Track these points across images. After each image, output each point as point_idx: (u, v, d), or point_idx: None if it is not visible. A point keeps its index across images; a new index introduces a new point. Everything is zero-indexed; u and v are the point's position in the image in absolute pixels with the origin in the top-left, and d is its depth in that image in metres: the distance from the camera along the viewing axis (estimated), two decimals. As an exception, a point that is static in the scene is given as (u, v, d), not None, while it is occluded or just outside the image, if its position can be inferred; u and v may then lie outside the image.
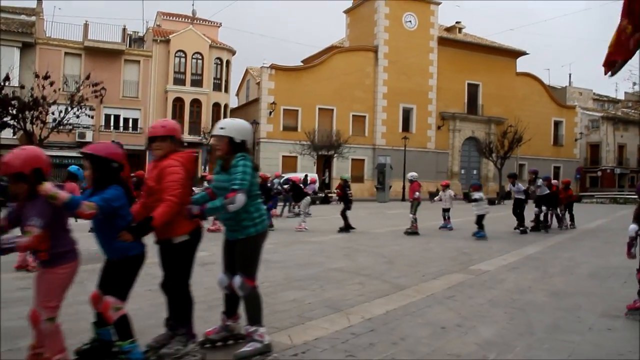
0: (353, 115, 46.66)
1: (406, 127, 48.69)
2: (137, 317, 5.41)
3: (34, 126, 16.94)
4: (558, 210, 17.13)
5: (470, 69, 51.52)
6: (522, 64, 58.27)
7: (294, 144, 40.23)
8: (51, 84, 16.45)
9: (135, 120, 39.55)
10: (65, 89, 17.84)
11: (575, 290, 7.26)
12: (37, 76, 16.83)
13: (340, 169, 42.97)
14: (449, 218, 16.55)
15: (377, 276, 8.00)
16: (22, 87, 18.02)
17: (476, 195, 14.50)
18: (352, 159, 44.16)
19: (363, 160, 46.66)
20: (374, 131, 47.47)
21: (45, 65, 33.51)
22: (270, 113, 43.00)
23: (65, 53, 37.72)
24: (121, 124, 39.10)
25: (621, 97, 71.80)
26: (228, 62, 42.60)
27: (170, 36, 39.84)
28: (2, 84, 16.54)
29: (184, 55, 40.24)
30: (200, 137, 36.09)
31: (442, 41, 50.16)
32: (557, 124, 58.70)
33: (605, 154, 61.79)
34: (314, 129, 41.03)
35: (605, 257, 10.69)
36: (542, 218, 16.14)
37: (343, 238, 13.30)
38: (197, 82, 40.46)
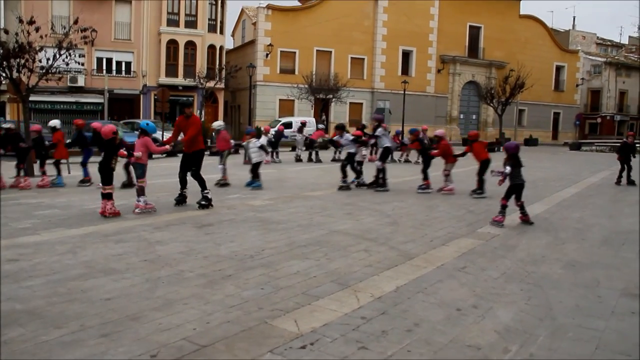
0: (351, 58, 45.74)
1: (405, 70, 47.86)
2: (131, 297, 5.13)
3: (21, 74, 16.23)
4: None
5: (472, 11, 50.24)
6: (525, 6, 56.66)
7: (291, 87, 39.42)
8: (37, 29, 15.62)
9: (128, 64, 38.59)
10: (52, 33, 16.94)
11: (591, 260, 6.96)
12: (21, 21, 15.98)
13: (339, 112, 42.39)
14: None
15: (383, 241, 7.69)
16: (6, 31, 17.17)
17: (259, 141, 13.85)
18: (350, 103, 43.50)
19: (361, 104, 46.02)
20: (373, 74, 46.64)
21: (30, 7, 32.41)
22: (267, 55, 42.04)
23: (53, -7, 36.35)
24: (114, 67, 38.15)
25: (625, 41, 70.56)
26: (223, 2, 41.29)
27: (163, -25, 38.41)
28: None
29: (177, -5, 38.92)
30: (195, 81, 35.23)
31: (444, -19, 48.64)
32: (558, 69, 57.79)
33: (606, 100, 61.11)
34: (311, 71, 40.14)
35: (615, 218, 10.40)
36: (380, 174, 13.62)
37: (343, 193, 12.94)
38: (192, 24, 39.29)
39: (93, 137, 13.00)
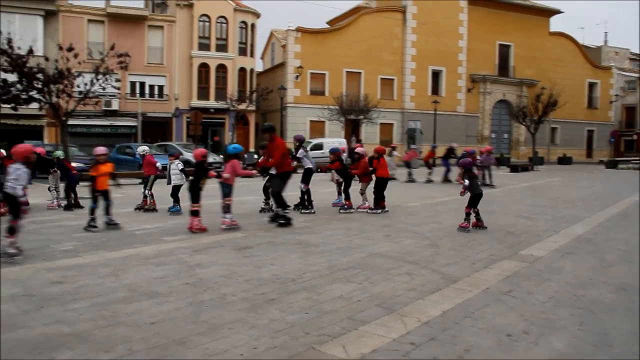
0: (381, 79, 45.80)
1: (435, 90, 47.74)
2: (176, 321, 5.10)
3: (60, 99, 16.62)
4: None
5: (501, 29, 50.05)
6: (555, 23, 56.24)
7: (322, 108, 39.57)
8: (75, 55, 16.05)
9: (160, 87, 39.23)
10: (89, 59, 17.39)
11: (642, 283, 6.75)
12: (60, 48, 16.43)
13: (369, 133, 42.39)
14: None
15: (425, 264, 7.57)
16: (46, 59, 17.67)
17: (180, 164, 13.37)
18: (381, 123, 43.39)
19: (392, 124, 45.95)
20: (403, 95, 46.60)
21: (68, 33, 33.36)
22: (297, 77, 42.32)
23: (88, 20, 37.36)
24: (147, 91, 38.79)
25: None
26: (253, 25, 41.85)
27: (194, 0, 39.11)
28: (26, 57, 16.19)
29: (208, 20, 39.58)
30: (227, 103, 35.58)
31: (472, 1, 48.58)
32: (591, 86, 57.06)
33: (641, 116, 59.98)
34: (341, 93, 40.28)
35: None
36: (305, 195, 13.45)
37: (380, 215, 12.83)
38: (222, 47, 39.87)
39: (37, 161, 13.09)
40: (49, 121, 27.06)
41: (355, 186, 13.88)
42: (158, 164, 13.53)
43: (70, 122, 17.59)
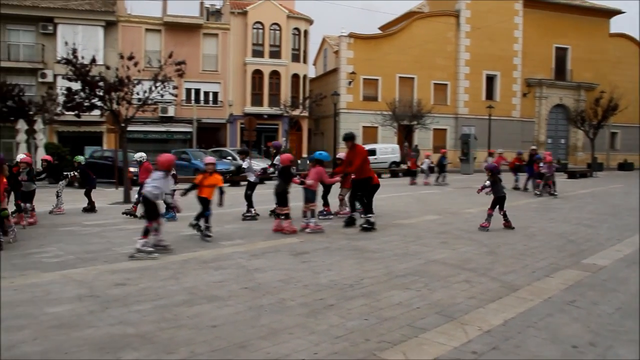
0: (434, 84, 45.42)
1: (490, 95, 47.03)
2: (236, 325, 5.16)
3: (120, 106, 17.13)
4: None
5: (558, 32, 48.91)
6: (616, 24, 54.36)
7: (375, 114, 39.45)
8: (135, 64, 16.54)
9: (215, 94, 39.94)
10: (148, 67, 17.87)
11: None
12: (121, 57, 16.93)
13: (423, 139, 42.04)
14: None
15: (483, 272, 7.44)
16: (107, 67, 18.21)
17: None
18: (434, 129, 43.02)
19: (445, 130, 45.53)
20: (456, 100, 46.11)
21: (127, 42, 34.38)
22: (350, 83, 42.38)
23: (146, 29, 38.42)
24: (202, 97, 39.54)
25: None
26: (306, 32, 42.17)
27: (248, 8, 39.74)
28: (89, 66, 16.72)
29: (261, 27, 40.09)
30: (281, 109, 35.91)
31: (528, 3, 47.68)
32: (655, 89, 54.97)
33: None
34: (394, 98, 40.10)
35: None
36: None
37: (435, 221, 12.70)
38: (276, 54, 40.31)
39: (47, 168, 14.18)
40: (109, 127, 27.82)
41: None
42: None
43: (129, 128, 18.01)
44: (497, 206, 11.52)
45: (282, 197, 10.77)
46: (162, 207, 12.70)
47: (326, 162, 11.55)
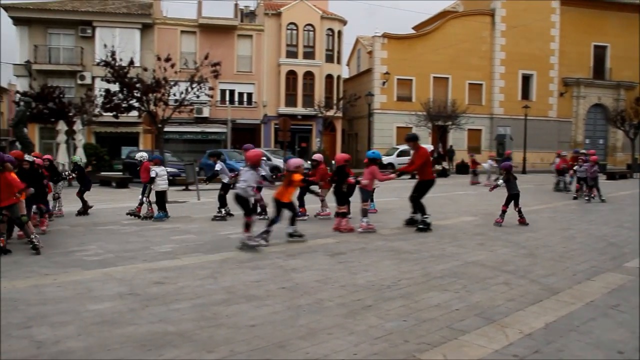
0: (469, 84, 44.94)
1: (526, 94, 46.36)
2: (275, 325, 5.18)
3: (157, 107, 17.41)
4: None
5: (596, 30, 47.85)
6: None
7: (409, 114, 39.25)
8: (172, 65, 16.83)
9: (249, 95, 40.22)
10: (184, 68, 18.15)
11: None
12: (158, 58, 17.22)
13: (457, 139, 41.67)
14: None
15: (523, 274, 7.33)
16: (145, 69, 18.56)
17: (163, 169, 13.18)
18: (469, 129, 42.54)
19: (480, 130, 45.00)
20: (492, 100, 45.55)
21: (163, 44, 34.90)
22: (384, 83, 42.23)
23: (181, 31, 38.92)
24: (236, 98, 39.85)
25: None
26: (340, 32, 42.19)
27: (282, 9, 39.95)
28: (127, 68, 17.04)
29: (295, 28, 40.26)
30: (316, 110, 35.98)
31: (565, 1, 46.75)
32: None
33: None
34: (428, 98, 39.83)
35: None
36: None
37: (471, 222, 12.57)
38: (310, 55, 40.43)
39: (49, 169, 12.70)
40: (145, 128, 28.39)
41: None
42: (152, 172, 12.99)
43: (165, 129, 18.28)
44: (512, 202, 12.13)
45: (339, 196, 11.06)
46: (155, 209, 13.01)
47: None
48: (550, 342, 4.81)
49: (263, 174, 13.07)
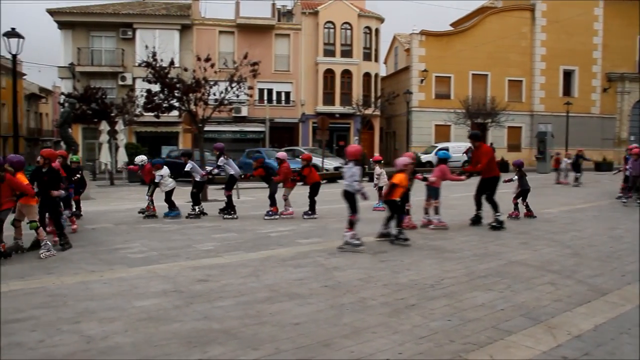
0: (508, 80, 44.21)
1: (567, 91, 45.38)
2: (319, 323, 5.19)
3: (197, 107, 17.61)
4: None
5: (643, 22, 46.37)
6: None
7: (448, 112, 38.86)
8: (212, 65, 17.00)
9: (287, 94, 40.37)
10: (224, 68, 18.31)
11: None
12: (198, 59, 17.42)
13: (497, 137, 41.04)
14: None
15: (568, 274, 7.18)
16: (185, 69, 18.81)
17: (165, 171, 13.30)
18: (509, 127, 41.86)
19: (520, 127, 44.25)
20: (532, 97, 44.73)
21: (202, 44, 35.31)
22: (422, 81, 41.90)
23: (220, 31, 39.25)
24: (274, 97, 40.03)
25: None
26: (377, 30, 42.00)
27: (319, 8, 39.96)
28: (168, 69, 17.26)
29: (332, 26, 40.23)
30: (354, 108, 35.92)
31: (609, -7, 45.51)
32: None
33: None
34: (467, 96, 39.35)
35: None
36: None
37: (515, 221, 12.35)
38: (347, 53, 40.37)
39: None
40: (185, 127, 28.73)
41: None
42: (157, 177, 13.13)
43: (204, 128, 18.46)
44: (521, 197, 12.87)
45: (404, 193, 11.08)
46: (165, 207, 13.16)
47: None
48: (600, 344, 4.70)
49: (232, 172, 13.49)
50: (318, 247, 9.14)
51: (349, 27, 40.42)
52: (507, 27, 43.45)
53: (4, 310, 5.72)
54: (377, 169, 14.89)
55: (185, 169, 13.71)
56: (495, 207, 11.17)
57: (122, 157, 27.11)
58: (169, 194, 13.25)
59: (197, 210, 13.28)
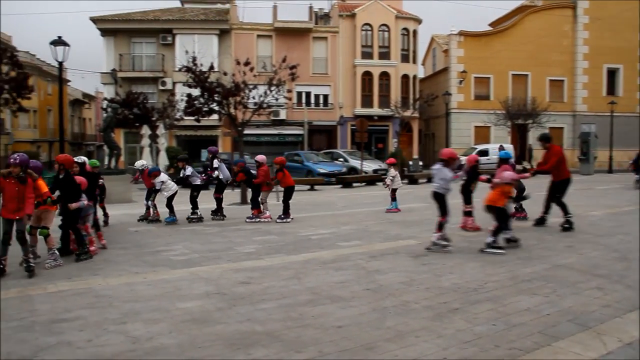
0: (550, 80, 43.36)
1: (611, 90, 44.24)
2: (361, 326, 5.17)
3: (237, 110, 17.78)
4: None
5: (694, 15, 44.88)
6: None
7: (487, 113, 38.37)
8: (251, 69, 17.15)
9: (325, 97, 40.41)
10: (263, 71, 18.50)
11: None
12: (238, 63, 17.60)
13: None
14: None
15: (617, 279, 6.98)
16: (224, 73, 19.05)
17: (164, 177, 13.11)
18: (550, 128, 40.99)
19: (562, 128, 43.33)
20: (574, 96, 43.77)
21: (240, 49, 35.68)
22: (461, 82, 41.47)
23: (257, 35, 39.54)
24: (312, 100, 40.13)
25: None
26: (415, 32, 41.76)
27: (356, 10, 39.94)
28: (207, 73, 17.48)
29: (370, 29, 40.18)
30: (393, 110, 35.78)
31: (655, -12, 44.19)
32: None
33: None
34: (507, 97, 38.78)
35: None
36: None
37: (558, 223, 12.08)
38: (385, 55, 40.24)
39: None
40: (224, 131, 29.11)
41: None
42: (157, 184, 12.82)
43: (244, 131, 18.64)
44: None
45: (466, 195, 11.15)
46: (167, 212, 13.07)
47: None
48: (653, 351, 4.56)
49: (221, 177, 13.67)
50: (359, 249, 9.12)
51: (387, 29, 40.28)
52: (547, 26, 42.66)
53: (53, 310, 5.89)
54: (392, 171, 14.89)
55: (186, 174, 13.42)
56: (564, 208, 11.09)
57: (163, 160, 27.53)
58: (170, 199, 12.92)
59: (199, 213, 13.31)
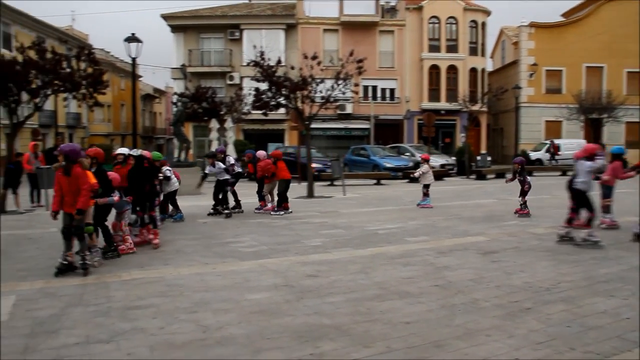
0: (627, 72, 41.41)
1: (698, 81, 41.82)
2: (430, 323, 5.11)
3: (304, 104, 17.88)
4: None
5: None
6: None
7: (559, 107, 37.12)
8: (318, 63, 17.20)
9: (392, 90, 40.09)
10: (331, 65, 18.51)
11: None
12: (305, 57, 17.67)
13: (613, 133, 38.70)
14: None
15: (701, 281, 6.64)
16: (292, 68, 19.17)
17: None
18: (627, 122, 39.31)
19: (640, 123, 41.42)
20: (655, 89, 41.68)
21: (307, 43, 35.81)
22: (531, 75, 40.25)
23: (324, 30, 39.59)
24: (379, 94, 39.90)
25: None
26: (483, 24, 40.81)
27: (423, 3, 39.37)
28: (275, 68, 17.64)
29: (437, 21, 39.52)
30: (461, 104, 35.16)
31: None
32: None
33: None
34: (580, 90, 37.37)
35: None
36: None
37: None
38: (453, 48, 39.49)
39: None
40: (291, 125, 29.37)
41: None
42: (161, 175, 11.51)
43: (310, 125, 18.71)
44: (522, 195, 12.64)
45: (607, 189, 10.96)
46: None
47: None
48: None
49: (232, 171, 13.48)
50: (426, 245, 9.03)
51: (454, 22, 39.52)
52: (625, 15, 40.68)
53: (128, 297, 6.11)
54: (424, 167, 14.62)
55: (213, 170, 13.06)
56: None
57: (231, 153, 28.03)
58: (172, 195, 12.13)
59: (229, 208, 13.22)
